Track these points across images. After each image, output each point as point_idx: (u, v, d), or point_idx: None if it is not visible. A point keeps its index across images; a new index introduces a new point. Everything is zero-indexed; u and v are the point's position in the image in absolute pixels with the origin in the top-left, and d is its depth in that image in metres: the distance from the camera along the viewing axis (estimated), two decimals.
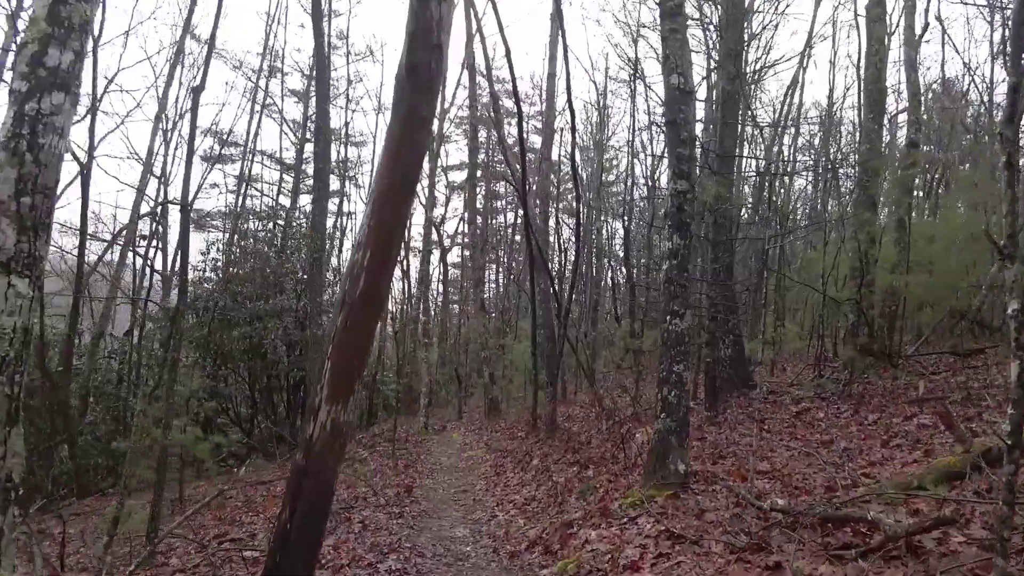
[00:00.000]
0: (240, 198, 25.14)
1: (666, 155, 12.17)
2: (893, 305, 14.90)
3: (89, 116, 19.79)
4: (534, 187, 21.27)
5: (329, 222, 39.16)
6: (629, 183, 28.39)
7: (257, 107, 31.84)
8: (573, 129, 14.99)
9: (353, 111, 37.92)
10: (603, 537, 6.42)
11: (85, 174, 20.05)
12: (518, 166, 14.87)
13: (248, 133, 29.46)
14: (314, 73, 35.47)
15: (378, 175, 4.72)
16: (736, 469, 8.07)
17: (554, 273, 21.91)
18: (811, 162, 22.65)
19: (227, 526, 11.13)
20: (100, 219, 28.55)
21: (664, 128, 9.72)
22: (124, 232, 26.57)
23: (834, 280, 17.02)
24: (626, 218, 27.21)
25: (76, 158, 21.37)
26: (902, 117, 22.92)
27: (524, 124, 13.77)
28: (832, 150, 22.75)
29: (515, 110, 14.94)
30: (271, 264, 22.30)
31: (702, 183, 11.21)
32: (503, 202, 45.59)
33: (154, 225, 29.01)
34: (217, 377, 20.67)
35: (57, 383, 19.87)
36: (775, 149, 23.29)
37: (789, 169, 19.63)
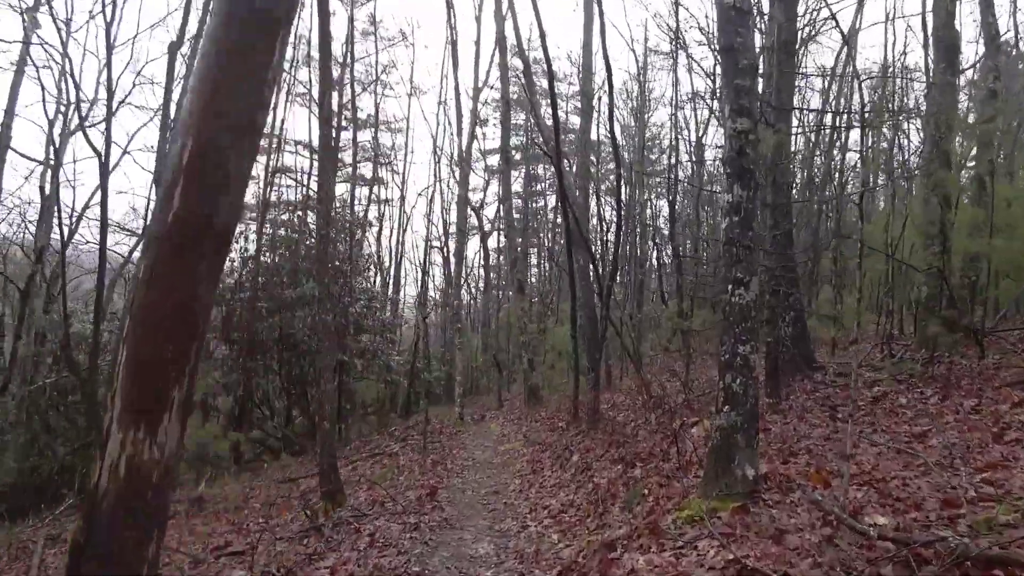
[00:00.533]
0: (266, 187, 24.09)
1: (721, 93, 10.52)
2: (973, 275, 13.14)
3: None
4: (573, 167, 19.79)
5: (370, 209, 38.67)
6: (673, 158, 26.68)
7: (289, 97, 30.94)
8: (610, 77, 13.47)
9: (384, 96, 36.51)
10: (654, 567, 4.98)
11: (103, 163, 19.20)
12: (550, 120, 13.39)
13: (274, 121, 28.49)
14: (345, 60, 34.65)
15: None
16: (815, 471, 6.53)
17: (596, 253, 20.42)
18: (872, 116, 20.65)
19: (235, 534, 9.99)
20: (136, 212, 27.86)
21: (719, 56, 8.12)
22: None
23: (899, 249, 15.18)
24: (670, 193, 25.53)
25: (94, 148, 20.61)
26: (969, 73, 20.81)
27: (556, 85, 12.28)
28: (893, 104, 20.68)
29: (548, 86, 13.47)
30: (299, 251, 21.26)
31: (759, 135, 9.59)
32: (543, 184, 44.09)
33: None
34: (247, 369, 19.69)
35: (84, 379, 19.14)
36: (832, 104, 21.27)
37: (855, 121, 17.71)
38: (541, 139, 14.57)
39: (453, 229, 32.43)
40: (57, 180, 25.87)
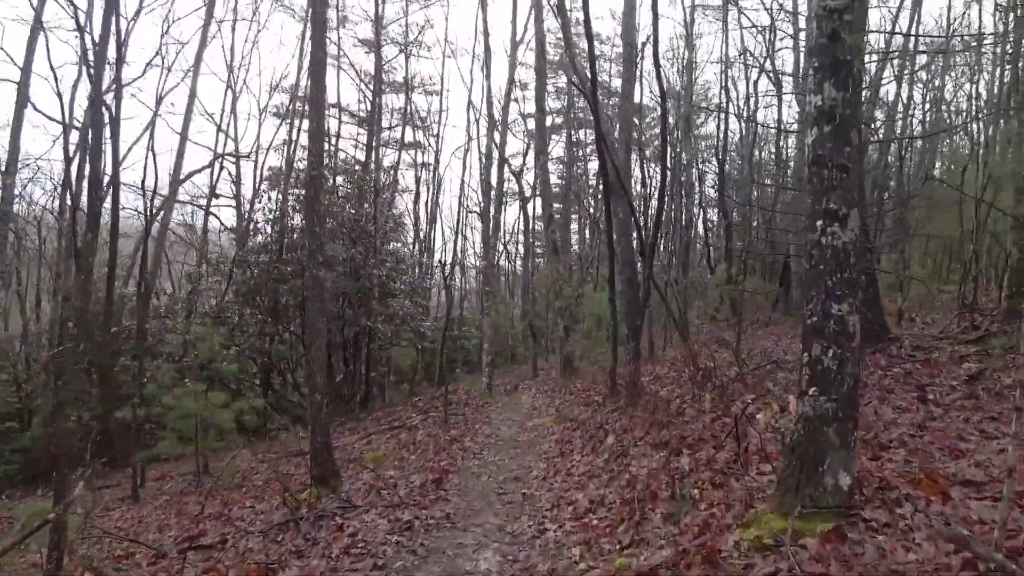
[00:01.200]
0: (291, 148, 22.72)
1: None
2: None
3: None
4: (615, 132, 17.89)
5: (408, 174, 37.16)
6: (722, 118, 24.47)
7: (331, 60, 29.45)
8: (656, 21, 11.59)
9: (417, 57, 34.80)
10: None
11: (113, 117, 17.96)
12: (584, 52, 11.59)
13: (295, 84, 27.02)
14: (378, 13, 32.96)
15: None
16: (924, 476, 4.82)
17: (638, 209, 18.56)
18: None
19: (216, 520, 8.64)
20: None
21: None
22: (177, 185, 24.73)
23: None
24: (720, 151, 23.43)
25: (102, 103, 19.35)
26: None
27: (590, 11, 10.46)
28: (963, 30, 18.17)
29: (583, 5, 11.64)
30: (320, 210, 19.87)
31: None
32: (584, 151, 42.03)
33: (213, 178, 27.21)
34: (263, 335, 18.45)
35: (99, 343, 18.11)
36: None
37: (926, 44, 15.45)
38: (576, 80, 12.74)
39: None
40: (86, 143, 25.02)
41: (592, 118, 11.51)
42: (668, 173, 12.18)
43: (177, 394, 11.71)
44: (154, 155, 31.50)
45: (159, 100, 23.22)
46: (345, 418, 18.07)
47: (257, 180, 27.84)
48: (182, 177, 25.54)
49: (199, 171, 26.20)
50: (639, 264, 11.66)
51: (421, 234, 33.73)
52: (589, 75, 11.44)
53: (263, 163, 28.78)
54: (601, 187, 11.66)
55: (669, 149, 18.77)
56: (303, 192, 20.57)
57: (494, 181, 19.86)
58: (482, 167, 18.09)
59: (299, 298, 18.61)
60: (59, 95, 18.55)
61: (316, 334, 8.26)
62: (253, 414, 15.56)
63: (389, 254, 20.00)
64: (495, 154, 19.61)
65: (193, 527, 8.08)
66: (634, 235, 11.54)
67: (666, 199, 12.92)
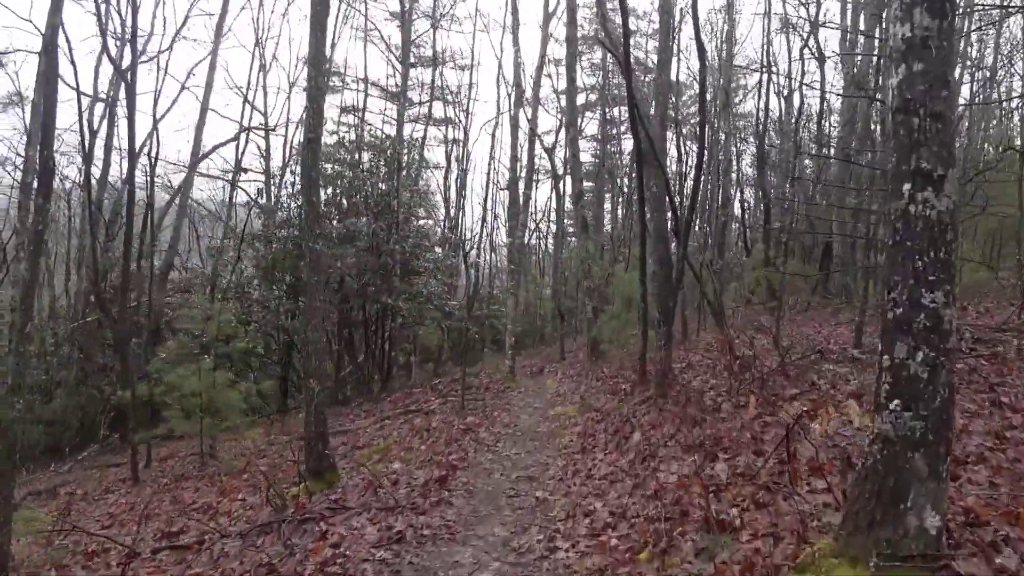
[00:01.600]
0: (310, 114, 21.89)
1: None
2: None
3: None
4: (651, 109, 16.71)
5: (439, 151, 36.20)
6: (762, 94, 23.09)
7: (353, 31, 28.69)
8: None
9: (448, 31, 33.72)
10: None
11: (130, 85, 17.34)
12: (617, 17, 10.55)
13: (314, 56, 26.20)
14: None
15: None
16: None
17: (672, 182, 17.44)
18: None
19: (202, 513, 7.94)
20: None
21: None
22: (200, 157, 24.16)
23: None
24: (761, 123, 22.10)
25: (118, 67, 18.75)
26: None
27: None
28: None
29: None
30: (344, 184, 19.08)
31: None
32: (619, 128, 40.69)
33: (239, 151, 26.59)
34: (282, 311, 17.79)
35: (115, 317, 17.61)
36: None
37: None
38: (608, 42, 11.66)
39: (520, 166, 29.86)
40: (114, 115, 24.55)
41: (624, 83, 10.48)
42: (707, 140, 11.08)
43: (180, 373, 11.03)
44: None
45: (188, 75, 22.63)
46: (363, 399, 17.39)
47: (285, 155, 27.23)
48: (207, 150, 25.03)
49: (224, 144, 25.52)
50: (673, 243, 10.63)
51: (451, 211, 32.93)
52: (621, 36, 10.40)
53: (292, 137, 28.15)
54: (634, 160, 10.62)
55: (707, 125, 17.60)
56: (328, 166, 19.92)
57: (522, 153, 18.94)
58: (513, 137, 17.02)
59: (328, 276, 17.97)
60: (73, 64, 17.84)
61: (313, 312, 7.44)
62: (263, 394, 14.92)
63: (413, 230, 19.16)
64: (523, 123, 18.65)
65: (174, 522, 7.37)
66: (668, 212, 10.49)
67: (703, 173, 11.84)
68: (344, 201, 19.72)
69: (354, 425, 13.64)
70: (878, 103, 14.19)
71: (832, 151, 24.08)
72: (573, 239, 34.42)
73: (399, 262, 17.56)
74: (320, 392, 7.45)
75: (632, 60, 39.47)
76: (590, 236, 17.06)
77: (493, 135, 28.84)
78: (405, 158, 19.42)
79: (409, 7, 32.80)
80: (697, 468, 6.27)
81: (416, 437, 10.74)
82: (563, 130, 34.91)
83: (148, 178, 18.02)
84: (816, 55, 25.29)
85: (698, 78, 10.69)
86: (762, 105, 22.28)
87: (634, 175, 34.18)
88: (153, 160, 18.50)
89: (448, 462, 7.98)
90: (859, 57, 18.39)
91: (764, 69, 20.00)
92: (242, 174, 27.46)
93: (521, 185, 28.04)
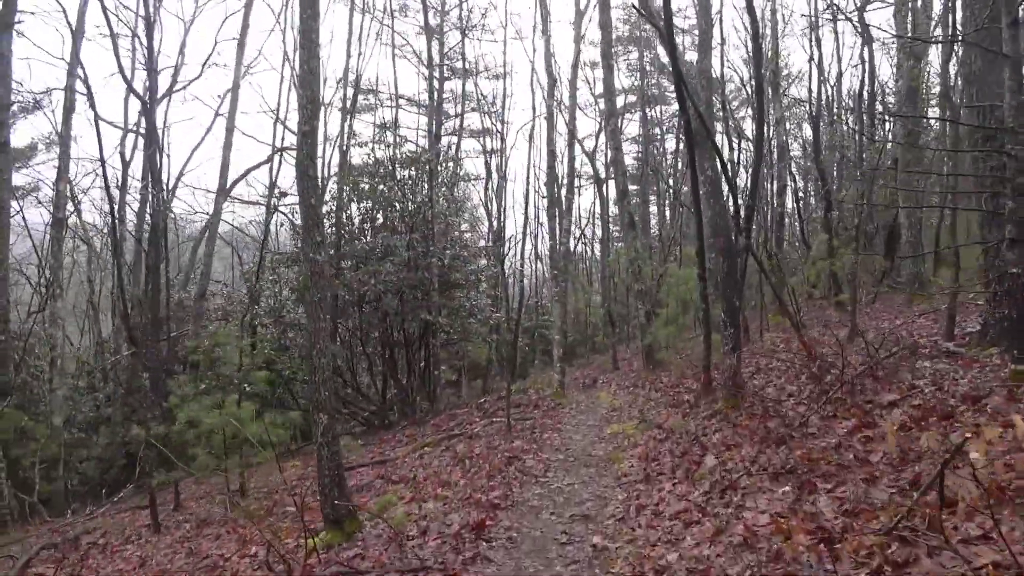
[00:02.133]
0: (346, 129, 21.01)
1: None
2: None
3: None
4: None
5: (478, 162, 35.27)
6: (814, 77, 21.42)
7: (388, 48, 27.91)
8: None
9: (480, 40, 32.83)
10: None
11: (149, 110, 16.75)
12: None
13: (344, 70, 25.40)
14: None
15: None
16: None
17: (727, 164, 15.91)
18: None
19: (206, 573, 6.85)
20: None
21: None
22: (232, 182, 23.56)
23: None
24: (813, 109, 20.45)
25: (138, 97, 18.17)
26: None
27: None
28: None
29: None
30: (379, 198, 18.11)
31: None
32: (662, 128, 39.18)
33: (272, 174, 25.94)
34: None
35: (143, 347, 16.92)
36: None
37: None
38: (646, 9, 10.35)
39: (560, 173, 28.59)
40: (153, 148, 24.19)
41: (667, 57, 9.19)
42: (764, 111, 9.68)
43: (197, 407, 10.06)
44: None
45: (221, 100, 22.03)
46: (407, 422, 16.29)
47: (325, 174, 26.53)
48: (240, 175, 24.44)
49: (257, 167, 24.92)
50: (734, 232, 9.24)
51: (494, 222, 31.84)
52: (662, 5, 9.14)
53: (328, 158, 27.46)
54: (683, 140, 9.30)
55: (763, 93, 16.05)
56: (362, 181, 18.99)
57: (562, 158, 17.75)
58: (548, 133, 15.73)
59: (357, 294, 16.95)
60: (90, 94, 17.29)
61: (319, 333, 6.31)
62: (288, 424, 13.92)
63: (451, 242, 18.06)
64: (560, 126, 17.46)
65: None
66: (727, 198, 9.14)
67: (764, 150, 10.51)
68: (380, 216, 18.80)
69: (394, 453, 12.52)
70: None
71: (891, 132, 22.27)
72: (620, 243, 32.98)
73: (437, 276, 16.45)
74: (332, 427, 6.30)
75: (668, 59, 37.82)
76: (638, 235, 15.71)
77: (530, 139, 27.53)
78: (440, 168, 18.36)
79: (440, 20, 32.12)
80: (793, 502, 4.93)
81: (457, 467, 9.55)
82: (603, 124, 33.71)
83: (155, 207, 17.27)
84: (864, 37, 23.55)
85: (750, 39, 9.33)
86: (814, 88, 20.62)
87: (680, 172, 32.66)
88: (167, 189, 17.77)
89: (488, 500, 6.76)
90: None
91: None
92: (281, 197, 26.87)
93: (563, 191, 26.84)
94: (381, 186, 18.26)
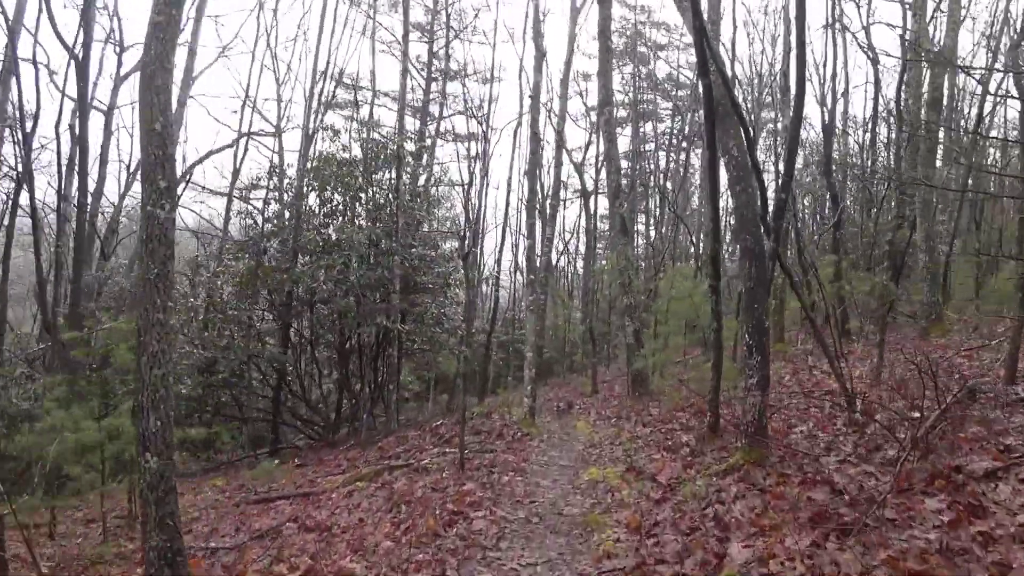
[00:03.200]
0: (314, 106, 18.69)
1: None
2: None
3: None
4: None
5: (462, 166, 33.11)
6: (827, 85, 19.33)
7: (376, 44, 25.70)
8: None
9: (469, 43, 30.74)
10: None
11: (82, 64, 14.33)
12: None
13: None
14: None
15: None
16: None
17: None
18: None
19: None
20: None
21: None
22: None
23: None
24: (828, 117, 18.32)
25: (67, 48, 15.72)
26: None
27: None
28: None
29: None
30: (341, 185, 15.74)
31: None
32: (657, 142, 37.20)
33: (236, 159, 23.54)
34: (256, 335, 14.42)
35: (63, 343, 14.37)
36: None
37: None
38: None
39: (547, 185, 26.42)
40: (109, 129, 21.74)
41: (689, 6, 7.03)
42: (806, 86, 7.43)
43: (59, 415, 7.58)
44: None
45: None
46: (355, 440, 13.86)
47: (302, 165, 24.20)
48: (196, 159, 21.99)
49: (219, 151, 22.49)
50: (762, 233, 6.97)
51: (472, 227, 29.47)
52: None
53: (309, 148, 25.06)
54: (702, 110, 7.01)
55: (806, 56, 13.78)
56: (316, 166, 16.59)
57: (548, 168, 15.59)
58: (531, 113, 13.31)
59: (309, 292, 14.54)
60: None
61: (151, 329, 3.94)
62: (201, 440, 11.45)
63: (419, 240, 15.70)
64: (543, 95, 15.14)
65: None
66: (755, 187, 6.88)
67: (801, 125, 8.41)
68: (345, 208, 16.45)
69: (325, 481, 10.10)
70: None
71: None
72: (603, 260, 30.63)
73: (399, 276, 14.07)
74: (166, 477, 3.92)
75: (662, 75, 35.18)
76: (629, 242, 13.46)
77: (515, 139, 25.24)
78: (409, 156, 16.06)
79: (432, 19, 30.02)
80: None
81: (388, 515, 7.18)
82: (592, 148, 31.59)
83: (81, 184, 14.83)
84: (869, 56, 21.58)
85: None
86: (828, 102, 18.51)
87: (675, 174, 30.43)
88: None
89: None
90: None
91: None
92: (250, 189, 24.39)
93: (548, 201, 24.57)
94: (348, 177, 15.88)
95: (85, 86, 14.42)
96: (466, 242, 12.42)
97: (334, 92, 27.31)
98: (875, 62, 21.64)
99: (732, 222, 15.39)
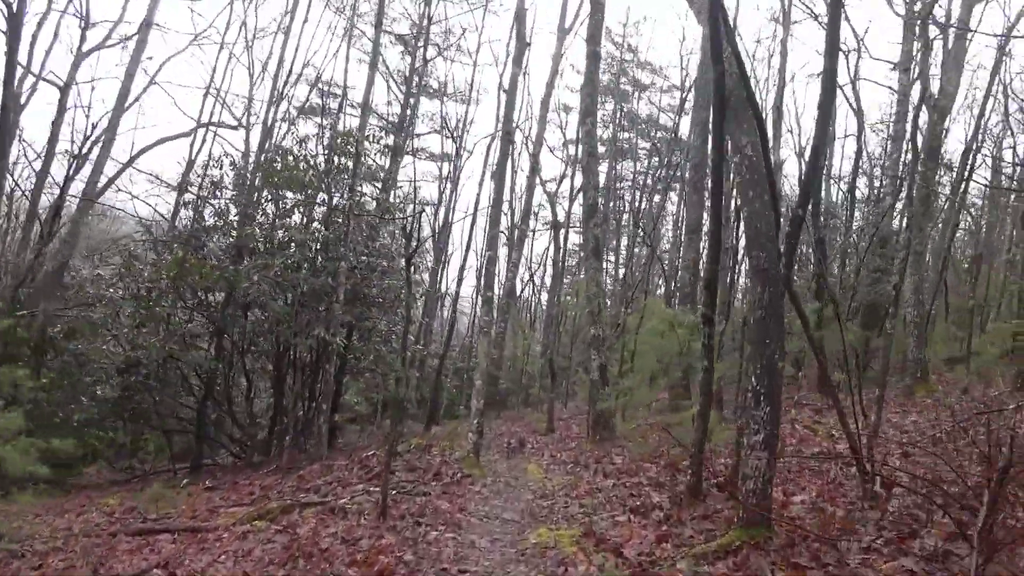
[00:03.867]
0: (275, 108, 17.15)
1: None
2: None
3: None
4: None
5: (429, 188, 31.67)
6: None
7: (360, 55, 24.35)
8: None
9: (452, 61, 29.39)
10: None
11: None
12: None
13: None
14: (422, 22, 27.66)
15: None
16: None
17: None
18: None
19: None
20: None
21: None
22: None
23: None
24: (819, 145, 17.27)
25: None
26: None
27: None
28: None
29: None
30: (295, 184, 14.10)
31: None
32: (634, 179, 36.22)
33: (192, 150, 21.71)
34: (181, 337, 12.60)
35: None
36: None
37: None
38: None
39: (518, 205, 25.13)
40: (64, 105, 19.80)
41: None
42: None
43: None
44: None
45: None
46: (278, 464, 12.04)
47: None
48: (139, 149, 20.09)
49: (172, 139, 20.63)
50: (775, 250, 5.54)
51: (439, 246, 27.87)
52: None
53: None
54: (712, 93, 5.55)
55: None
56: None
57: (519, 185, 14.10)
58: (505, 110, 11.70)
59: (244, 295, 12.78)
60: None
61: None
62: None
63: (372, 250, 14.07)
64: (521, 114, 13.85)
65: None
66: (768, 195, 5.48)
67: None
68: (303, 212, 14.80)
69: (226, 514, 8.34)
70: None
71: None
72: (571, 288, 29.17)
73: (345, 286, 12.39)
74: None
75: (644, 115, 34.22)
76: (601, 267, 12.00)
77: (487, 155, 23.75)
78: (368, 153, 14.51)
79: (415, 33, 28.68)
80: None
81: (281, 571, 5.50)
82: (566, 181, 30.39)
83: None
84: (855, 110, 20.77)
85: None
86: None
87: (649, 210, 29.27)
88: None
89: None
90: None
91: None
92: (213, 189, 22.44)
93: (514, 230, 23.10)
94: (302, 174, 14.21)
95: (16, 42, 12.58)
96: (412, 237, 10.75)
97: (308, 97, 25.80)
98: (859, 114, 20.85)
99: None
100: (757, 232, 5.16)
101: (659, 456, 8.47)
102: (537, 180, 22.95)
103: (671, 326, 8.20)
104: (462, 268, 22.95)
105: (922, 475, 5.33)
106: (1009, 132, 19.75)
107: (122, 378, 13.65)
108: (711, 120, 6.00)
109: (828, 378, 6.37)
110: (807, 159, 5.77)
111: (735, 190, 6.72)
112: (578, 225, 31.82)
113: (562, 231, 27.33)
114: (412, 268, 9.51)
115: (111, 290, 14.15)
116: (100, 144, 16.70)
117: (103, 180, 17.52)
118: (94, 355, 13.77)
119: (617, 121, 34.88)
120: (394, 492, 7.78)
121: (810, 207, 6.40)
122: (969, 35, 13.42)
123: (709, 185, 6.69)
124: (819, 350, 6.49)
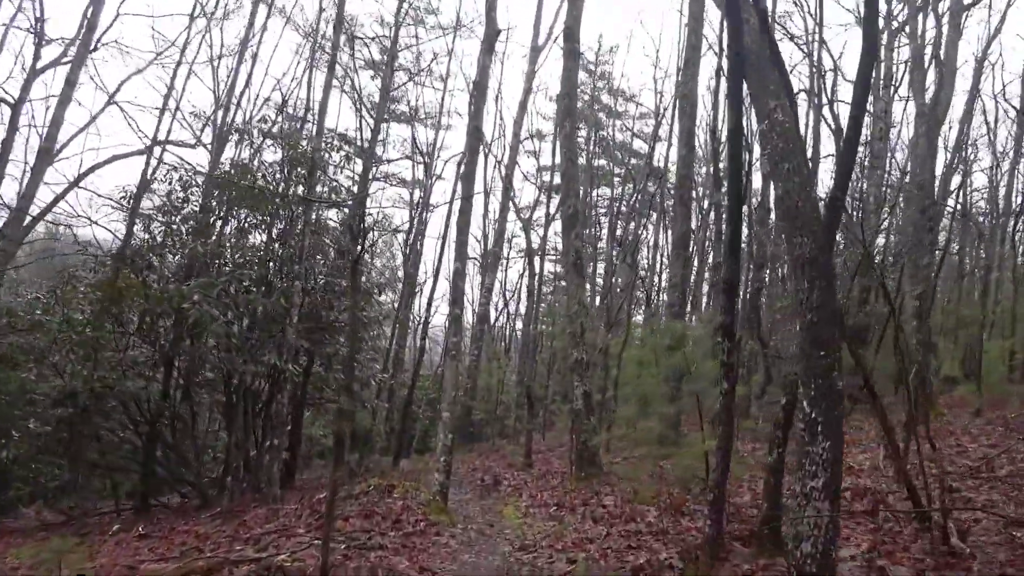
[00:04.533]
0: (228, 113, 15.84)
1: None
2: None
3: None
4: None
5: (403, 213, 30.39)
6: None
7: (328, 77, 23.14)
8: None
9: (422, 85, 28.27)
10: None
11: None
12: None
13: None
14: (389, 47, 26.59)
15: None
16: None
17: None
18: None
19: None
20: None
21: None
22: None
23: None
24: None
25: None
26: None
27: None
28: None
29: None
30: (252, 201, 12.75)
31: None
32: (613, 205, 35.21)
33: (147, 169, 20.22)
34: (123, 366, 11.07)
35: None
36: None
37: None
38: None
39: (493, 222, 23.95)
40: (16, 124, 18.25)
41: None
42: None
43: None
44: None
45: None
46: (219, 509, 10.48)
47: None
48: (88, 168, 18.58)
49: (124, 157, 19.08)
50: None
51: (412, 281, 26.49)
52: None
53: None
54: (725, 65, 4.38)
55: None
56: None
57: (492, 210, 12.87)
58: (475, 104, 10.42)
59: (188, 315, 11.30)
60: None
61: None
62: None
63: (331, 269, 12.70)
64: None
65: None
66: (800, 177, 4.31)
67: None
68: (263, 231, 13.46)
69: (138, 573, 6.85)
70: None
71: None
72: (547, 317, 27.79)
73: (299, 306, 11.00)
74: None
75: (619, 141, 33.26)
76: (584, 283, 10.75)
77: (457, 171, 22.47)
78: (328, 158, 13.23)
79: (387, 57, 27.57)
80: None
81: None
82: (540, 208, 29.30)
83: None
84: (832, 128, 20.03)
85: None
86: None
87: (633, 233, 28.24)
88: None
89: None
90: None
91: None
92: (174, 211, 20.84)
93: (487, 255, 21.84)
94: (257, 191, 12.83)
95: None
96: (359, 236, 9.44)
97: (276, 119, 24.49)
98: (838, 135, 20.07)
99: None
100: (797, 213, 3.95)
101: (656, 496, 7.15)
102: (511, 204, 21.83)
103: (680, 335, 6.93)
104: (432, 293, 21.53)
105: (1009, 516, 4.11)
106: None
107: (58, 411, 12.11)
108: (727, 89, 4.82)
109: (876, 396, 5.11)
110: (845, 133, 4.58)
111: (761, 168, 5.54)
112: (552, 253, 30.77)
113: (536, 258, 26.16)
114: (359, 274, 8.17)
115: (46, 316, 12.62)
116: (36, 153, 15.22)
117: (49, 196, 16.06)
118: (27, 386, 12.25)
119: (591, 149, 34.07)
120: (343, 547, 6.36)
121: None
122: None
123: (727, 160, 5.49)
124: (863, 366, 5.25)
